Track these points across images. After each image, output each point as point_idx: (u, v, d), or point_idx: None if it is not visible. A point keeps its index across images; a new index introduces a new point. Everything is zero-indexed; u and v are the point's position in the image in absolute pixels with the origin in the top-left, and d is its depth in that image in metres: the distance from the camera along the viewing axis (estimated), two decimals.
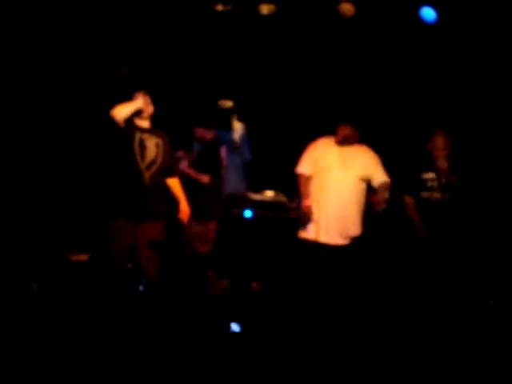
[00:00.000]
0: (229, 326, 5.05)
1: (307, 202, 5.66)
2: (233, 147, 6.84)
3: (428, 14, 6.62)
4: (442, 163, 5.75)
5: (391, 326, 5.27)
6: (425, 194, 5.80)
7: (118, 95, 5.49)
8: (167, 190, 5.53)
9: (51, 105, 7.05)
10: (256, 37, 7.25)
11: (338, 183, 5.65)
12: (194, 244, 6.18)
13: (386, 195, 5.63)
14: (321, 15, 6.87)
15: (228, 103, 6.88)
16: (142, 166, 5.29)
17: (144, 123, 5.39)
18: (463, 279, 5.70)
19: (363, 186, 5.73)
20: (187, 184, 6.29)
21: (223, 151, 6.59)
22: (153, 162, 5.34)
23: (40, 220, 6.70)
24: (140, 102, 5.32)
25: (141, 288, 5.33)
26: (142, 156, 5.31)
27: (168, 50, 7.36)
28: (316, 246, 5.67)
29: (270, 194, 6.81)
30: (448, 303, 5.56)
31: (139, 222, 5.28)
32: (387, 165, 5.86)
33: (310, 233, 5.70)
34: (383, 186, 5.70)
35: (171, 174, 5.52)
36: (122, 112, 5.25)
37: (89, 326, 4.72)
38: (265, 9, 6.85)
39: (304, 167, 5.81)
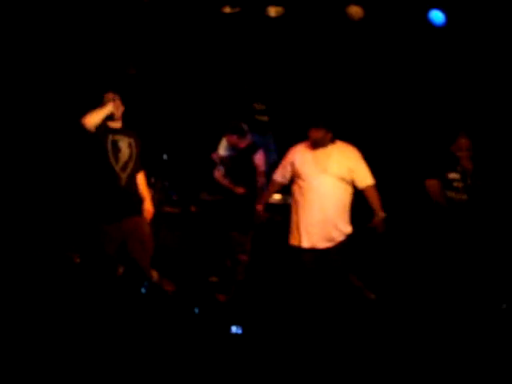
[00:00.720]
0: (229, 329, 5.04)
1: (259, 207, 5.82)
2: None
3: (437, 16, 6.59)
4: (467, 164, 5.77)
5: (399, 326, 5.22)
6: (449, 194, 5.80)
7: (126, 96, 5.51)
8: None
9: (56, 107, 7.07)
10: (264, 39, 7.25)
11: (315, 187, 5.58)
12: (236, 255, 6.16)
13: (382, 215, 5.55)
14: (329, 18, 6.85)
15: (261, 106, 6.89)
16: (117, 167, 5.33)
17: (116, 124, 5.39)
18: (478, 282, 5.66)
19: (344, 185, 5.62)
20: (224, 193, 6.32)
21: (259, 157, 6.53)
22: (127, 162, 5.37)
23: (44, 221, 6.73)
24: (110, 107, 5.31)
25: (143, 290, 5.34)
26: (116, 158, 5.34)
27: (175, 51, 7.38)
28: (300, 252, 5.63)
29: (277, 196, 6.78)
30: (460, 305, 5.51)
31: (121, 219, 5.34)
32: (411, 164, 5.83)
33: (294, 239, 5.69)
34: (369, 189, 5.62)
35: (138, 171, 5.53)
36: (92, 120, 5.25)
37: (90, 329, 4.73)
38: (273, 11, 6.84)
39: (277, 174, 5.84)
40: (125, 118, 5.45)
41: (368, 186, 5.62)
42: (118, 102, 5.38)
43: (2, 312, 4.78)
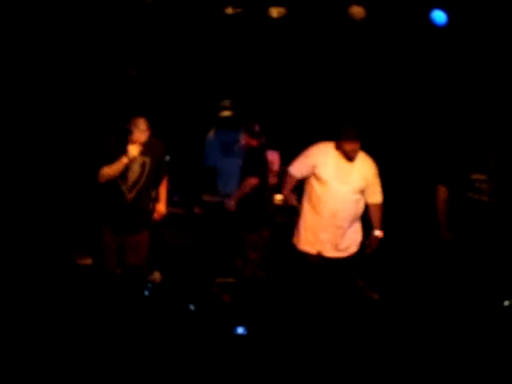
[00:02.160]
0: (234, 329, 5.04)
1: (284, 192, 5.75)
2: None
3: (439, 16, 6.59)
4: (493, 165, 5.62)
5: (401, 326, 5.21)
6: (471, 195, 5.68)
7: (128, 98, 5.50)
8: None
9: (58, 108, 7.06)
10: (266, 40, 7.24)
11: (333, 195, 5.47)
12: (247, 253, 6.14)
13: (379, 234, 5.56)
14: (331, 18, 6.85)
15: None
16: (124, 187, 5.28)
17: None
18: (486, 281, 5.58)
19: (360, 197, 5.55)
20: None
21: (274, 156, 6.53)
22: (136, 183, 5.30)
23: (46, 223, 6.72)
24: (124, 163, 5.17)
25: (146, 293, 5.34)
26: (125, 178, 5.27)
27: (178, 52, 7.38)
28: (306, 256, 5.58)
29: (279, 197, 6.76)
30: (465, 304, 5.47)
31: (123, 235, 5.37)
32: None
33: (300, 242, 5.63)
34: (377, 207, 5.59)
35: (159, 186, 5.50)
36: (106, 177, 5.24)
37: (93, 329, 4.73)
38: (275, 12, 6.84)
39: (297, 170, 5.64)
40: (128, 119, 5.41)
41: (376, 204, 5.60)
42: (144, 128, 5.24)
43: (6, 312, 4.80)
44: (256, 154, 6.10)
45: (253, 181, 6.01)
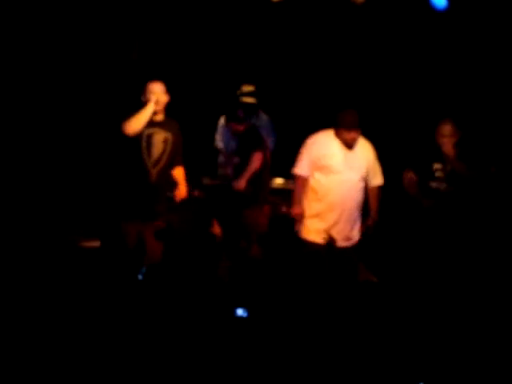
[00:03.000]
0: (234, 311, 5.06)
1: (298, 210, 5.49)
2: None
3: (439, 1, 6.58)
4: (448, 150, 5.53)
5: (393, 321, 5.22)
6: (433, 185, 5.66)
7: (129, 84, 5.47)
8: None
9: (61, 96, 7.05)
10: (266, 24, 7.23)
11: (341, 184, 5.38)
12: (250, 232, 6.13)
13: (376, 218, 5.54)
14: (331, 2, 6.83)
15: (249, 87, 6.78)
16: (149, 163, 5.21)
17: (156, 117, 5.22)
18: (462, 273, 5.53)
19: (363, 185, 5.50)
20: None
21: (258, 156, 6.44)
22: (159, 159, 5.23)
23: (51, 206, 6.74)
24: (151, 107, 5.10)
25: (140, 277, 5.31)
26: (149, 154, 5.20)
27: (178, 36, 7.36)
28: (314, 247, 5.49)
29: (279, 181, 6.77)
30: (446, 299, 5.42)
31: (146, 221, 5.27)
32: (396, 155, 5.76)
33: (308, 233, 5.53)
34: (377, 189, 5.57)
35: (177, 165, 5.42)
36: (134, 127, 5.08)
37: (92, 314, 4.76)
38: None
39: (302, 168, 5.48)
40: (130, 104, 5.37)
41: (377, 186, 5.59)
42: (162, 91, 5.18)
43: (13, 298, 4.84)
44: (251, 132, 6.14)
45: (260, 156, 5.97)
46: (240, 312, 5.04)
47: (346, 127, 5.32)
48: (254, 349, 4.48)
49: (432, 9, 6.58)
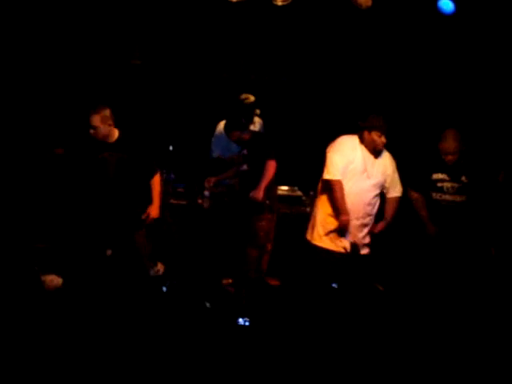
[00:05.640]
0: (236, 320, 5.02)
1: (345, 217, 5.31)
2: None
3: (446, 4, 6.52)
4: (452, 162, 5.51)
5: (398, 329, 5.15)
6: (434, 195, 5.62)
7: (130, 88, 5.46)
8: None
9: (61, 99, 7.01)
10: (270, 28, 7.20)
11: (357, 191, 5.37)
12: (261, 241, 6.04)
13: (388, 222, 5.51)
14: (336, 6, 6.79)
15: (251, 97, 6.77)
16: (106, 185, 5.35)
17: (108, 139, 5.32)
18: (467, 283, 5.52)
19: (379, 193, 5.50)
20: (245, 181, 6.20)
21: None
22: (116, 180, 5.34)
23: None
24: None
25: (164, 289, 5.42)
26: (106, 176, 5.33)
27: (181, 41, 7.34)
28: (325, 253, 5.47)
29: (284, 188, 6.72)
30: (452, 305, 5.40)
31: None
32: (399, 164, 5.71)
33: (320, 240, 5.50)
34: (395, 200, 5.53)
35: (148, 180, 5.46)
36: None
37: (95, 320, 4.72)
38: (279, 0, 6.76)
39: (340, 172, 5.31)
40: (130, 109, 5.39)
41: (396, 197, 5.55)
42: (98, 124, 5.25)
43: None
44: (260, 139, 6.06)
45: (274, 164, 5.86)
46: (241, 321, 5.00)
47: (380, 130, 5.31)
48: (255, 357, 4.48)
49: (439, 13, 6.52)
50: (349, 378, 4.32)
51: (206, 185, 6.35)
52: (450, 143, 5.51)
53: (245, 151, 6.11)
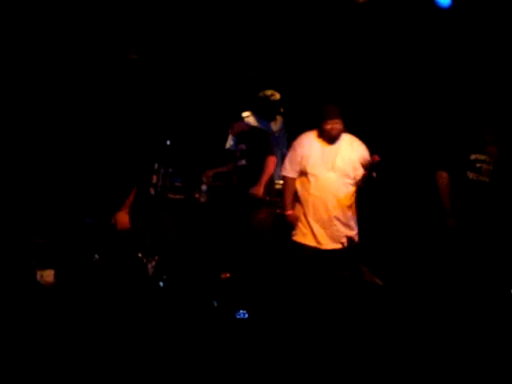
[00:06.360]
0: (236, 313, 5.01)
1: (289, 212, 5.59)
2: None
3: None
4: (493, 147, 5.62)
5: (397, 324, 5.16)
6: (471, 176, 5.66)
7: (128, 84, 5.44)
8: None
9: (59, 96, 6.99)
10: (267, 22, 7.19)
11: (321, 185, 5.46)
12: (257, 234, 6.05)
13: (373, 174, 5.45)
14: (332, 0, 6.79)
15: (277, 95, 6.77)
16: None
17: None
18: (489, 266, 5.58)
19: (348, 180, 5.51)
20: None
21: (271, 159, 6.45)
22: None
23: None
24: None
25: (161, 284, 5.41)
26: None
27: (179, 35, 7.33)
28: (305, 249, 5.55)
29: (281, 182, 6.71)
30: (452, 303, 5.43)
31: None
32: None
33: (298, 235, 5.61)
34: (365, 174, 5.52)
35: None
36: None
37: (92, 316, 4.71)
38: None
39: (289, 170, 5.60)
40: (127, 104, 5.37)
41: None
42: None
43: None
44: (261, 135, 6.09)
45: (274, 160, 5.99)
46: (240, 314, 5.00)
47: (327, 118, 5.40)
48: (254, 350, 4.47)
49: (436, 6, 6.52)
50: (348, 372, 4.30)
51: (204, 178, 6.35)
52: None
53: (243, 146, 6.11)
